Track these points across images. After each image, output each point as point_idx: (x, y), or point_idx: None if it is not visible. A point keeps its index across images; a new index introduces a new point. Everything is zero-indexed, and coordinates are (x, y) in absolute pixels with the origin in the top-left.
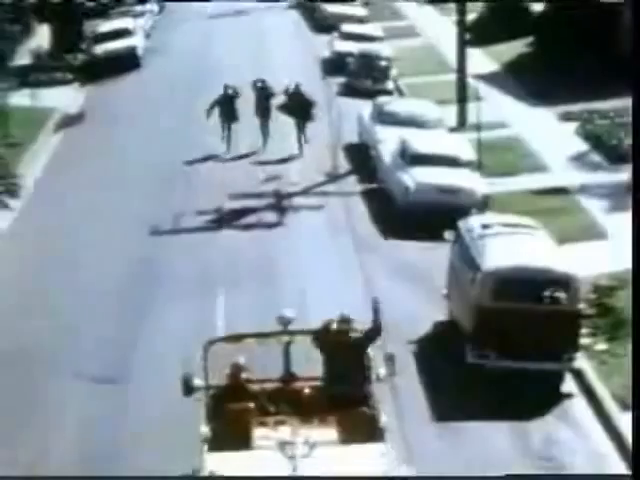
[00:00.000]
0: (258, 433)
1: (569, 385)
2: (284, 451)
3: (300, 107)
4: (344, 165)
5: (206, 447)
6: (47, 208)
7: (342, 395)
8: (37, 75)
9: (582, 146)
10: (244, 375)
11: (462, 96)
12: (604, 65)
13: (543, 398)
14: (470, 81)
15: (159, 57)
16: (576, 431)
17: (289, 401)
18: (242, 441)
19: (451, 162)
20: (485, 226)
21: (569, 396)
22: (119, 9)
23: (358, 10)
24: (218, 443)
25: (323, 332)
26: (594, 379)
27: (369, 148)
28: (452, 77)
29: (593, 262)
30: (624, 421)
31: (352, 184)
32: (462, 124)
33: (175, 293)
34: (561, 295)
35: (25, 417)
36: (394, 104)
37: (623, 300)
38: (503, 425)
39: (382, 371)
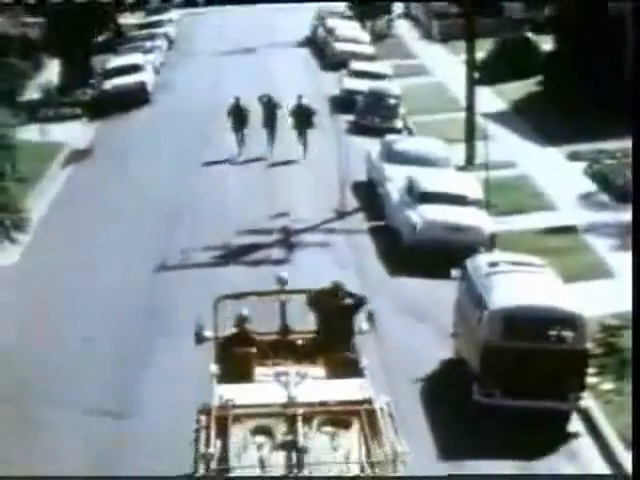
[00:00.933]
0: (258, 371)
1: (575, 424)
2: (279, 380)
3: (302, 117)
4: (352, 202)
5: (215, 381)
6: (54, 243)
7: (330, 345)
8: (46, 110)
9: (589, 186)
10: (247, 325)
11: (470, 135)
12: (612, 105)
13: (549, 437)
14: (479, 120)
15: (168, 93)
16: (581, 470)
17: (285, 348)
18: (245, 377)
19: (459, 200)
20: (492, 264)
21: (575, 435)
22: (129, 45)
23: (367, 48)
24: (225, 378)
25: (317, 295)
26: (600, 418)
27: (377, 186)
28: (461, 115)
29: (600, 301)
30: (629, 460)
31: (360, 221)
32: (470, 162)
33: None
34: (568, 334)
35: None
36: (402, 142)
37: (629, 339)
38: (506, 464)
39: (364, 326)
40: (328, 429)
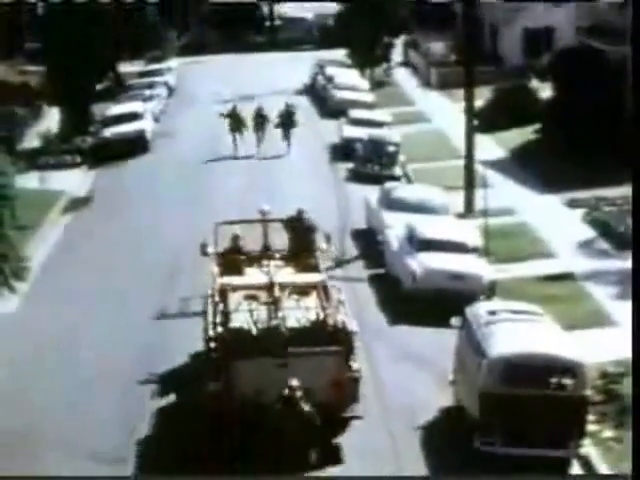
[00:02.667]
0: (247, 271)
1: (575, 471)
2: (262, 271)
3: (286, 119)
4: (351, 250)
5: (216, 276)
6: (53, 292)
7: (298, 254)
8: (46, 158)
9: (589, 233)
10: (240, 242)
11: (470, 182)
12: (611, 152)
13: None
14: (478, 167)
15: (168, 141)
16: None
17: (266, 258)
18: (237, 273)
19: (458, 248)
20: (492, 312)
21: None
22: (128, 93)
23: (366, 96)
24: (223, 275)
25: (289, 220)
26: (600, 465)
27: (376, 233)
28: (460, 163)
29: (600, 349)
30: None
31: (359, 269)
32: (469, 210)
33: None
34: (568, 382)
35: None
36: (402, 190)
37: (629, 387)
38: None
39: (324, 245)
40: (295, 296)
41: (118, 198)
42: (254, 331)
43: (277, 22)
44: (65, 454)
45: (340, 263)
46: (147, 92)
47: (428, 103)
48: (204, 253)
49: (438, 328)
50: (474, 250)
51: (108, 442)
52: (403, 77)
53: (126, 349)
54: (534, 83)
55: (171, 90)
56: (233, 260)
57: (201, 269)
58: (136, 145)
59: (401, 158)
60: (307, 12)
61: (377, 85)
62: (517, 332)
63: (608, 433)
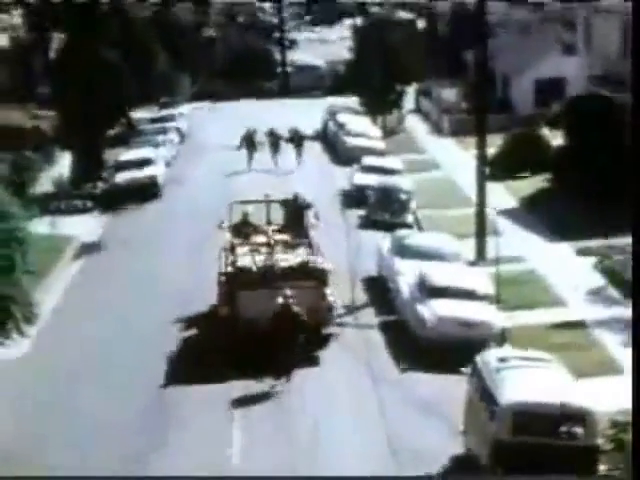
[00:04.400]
0: (253, 239)
1: None
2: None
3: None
4: (362, 297)
5: (228, 242)
6: (63, 336)
7: (292, 227)
8: (57, 203)
9: (599, 281)
10: (249, 217)
11: (481, 230)
12: (622, 201)
13: None
14: (489, 215)
15: (179, 187)
16: None
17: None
18: (245, 240)
19: (469, 295)
20: (502, 360)
21: None
22: (140, 138)
23: (378, 143)
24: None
25: (285, 200)
26: None
27: (388, 280)
28: (471, 210)
29: (610, 397)
30: None
31: (370, 316)
32: (481, 257)
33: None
34: (578, 430)
35: None
36: (413, 237)
37: None
38: None
39: (313, 221)
40: (288, 249)
41: (129, 243)
42: (254, 269)
43: (289, 69)
44: None
45: (351, 310)
46: (159, 138)
47: (440, 151)
48: (220, 227)
49: (449, 375)
50: (485, 297)
51: None
52: (415, 124)
53: (135, 398)
54: (545, 131)
55: (183, 136)
56: (243, 230)
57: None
58: (148, 191)
59: (413, 205)
60: (319, 59)
61: (389, 132)
62: (528, 380)
63: None
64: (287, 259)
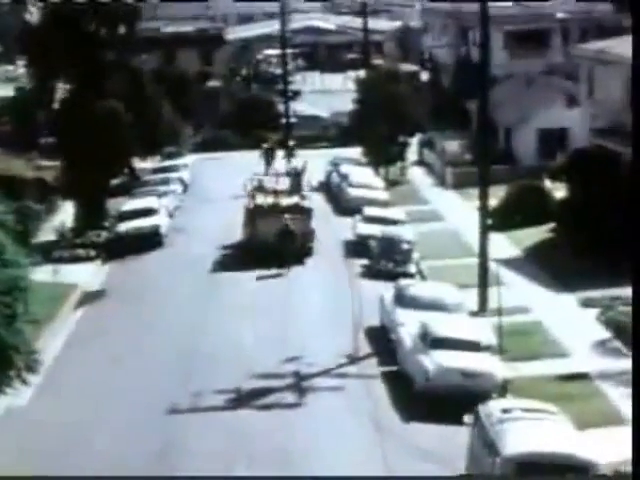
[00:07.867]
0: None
1: None
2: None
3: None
4: (365, 347)
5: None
6: (65, 385)
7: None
8: (60, 252)
9: (603, 332)
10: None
11: (483, 280)
12: (625, 251)
13: None
14: (492, 265)
15: (182, 236)
16: None
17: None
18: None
19: (471, 346)
20: (505, 411)
21: None
22: (143, 188)
23: (381, 194)
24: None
25: (288, 172)
26: None
27: (390, 331)
28: (474, 261)
29: (613, 448)
30: None
31: (372, 366)
32: (483, 308)
33: None
34: None
35: None
36: (415, 287)
37: None
38: None
39: (304, 184)
40: (286, 196)
41: (131, 293)
42: (266, 206)
43: (292, 120)
44: None
45: (354, 360)
46: (162, 188)
47: (442, 202)
48: (245, 191)
49: (451, 426)
50: (487, 348)
51: None
52: (418, 176)
53: (140, 445)
54: (547, 183)
55: (186, 186)
56: (257, 194)
57: (214, 368)
58: (150, 240)
59: (415, 256)
60: (322, 110)
61: (392, 183)
62: (530, 430)
63: None
64: (286, 201)
